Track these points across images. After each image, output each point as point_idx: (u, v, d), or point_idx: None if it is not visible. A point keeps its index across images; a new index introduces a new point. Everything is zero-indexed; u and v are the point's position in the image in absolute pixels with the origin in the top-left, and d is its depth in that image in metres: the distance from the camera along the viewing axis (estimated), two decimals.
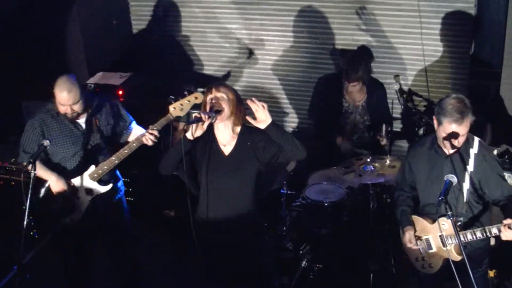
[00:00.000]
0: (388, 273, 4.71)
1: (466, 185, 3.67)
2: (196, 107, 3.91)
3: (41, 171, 4.02)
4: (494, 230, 3.50)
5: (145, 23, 6.58)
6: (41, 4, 5.91)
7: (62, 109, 3.97)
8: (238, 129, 3.68)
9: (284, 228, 4.89)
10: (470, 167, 3.65)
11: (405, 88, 5.16)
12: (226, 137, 3.68)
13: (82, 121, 4.11)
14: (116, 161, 4.09)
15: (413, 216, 3.90)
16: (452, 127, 3.50)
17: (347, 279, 4.66)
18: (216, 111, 3.52)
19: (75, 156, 4.11)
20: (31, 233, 4.16)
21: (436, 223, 3.68)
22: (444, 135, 3.56)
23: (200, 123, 3.50)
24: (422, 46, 5.57)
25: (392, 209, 4.87)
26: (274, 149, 3.58)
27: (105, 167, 4.11)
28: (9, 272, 3.50)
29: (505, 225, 3.41)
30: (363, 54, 5.60)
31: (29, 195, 3.68)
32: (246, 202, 3.68)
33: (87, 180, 4.13)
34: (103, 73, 6.19)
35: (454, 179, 3.51)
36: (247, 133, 3.67)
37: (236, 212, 3.68)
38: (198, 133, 3.55)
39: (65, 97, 3.90)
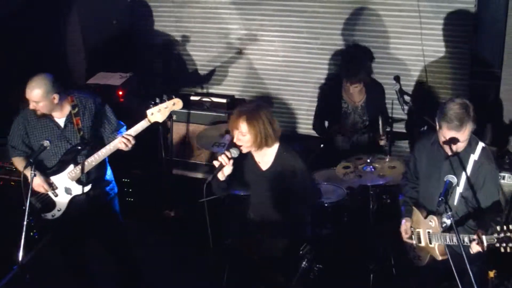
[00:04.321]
0: (388, 273, 4.71)
1: (460, 189, 3.63)
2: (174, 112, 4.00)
3: (23, 168, 4.03)
4: (466, 240, 3.43)
5: (145, 23, 6.58)
6: (41, 4, 5.90)
7: (30, 104, 4.02)
8: (276, 146, 3.78)
9: None
10: (468, 171, 3.59)
11: (405, 88, 5.15)
12: (261, 157, 3.83)
13: (62, 120, 4.11)
14: (94, 163, 4.06)
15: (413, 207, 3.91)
16: (451, 133, 3.46)
17: (347, 279, 4.66)
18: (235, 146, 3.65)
19: (55, 154, 4.11)
20: (31, 233, 4.16)
21: (428, 218, 3.69)
22: (443, 139, 3.52)
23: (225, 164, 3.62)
24: (422, 46, 5.57)
25: (392, 209, 4.90)
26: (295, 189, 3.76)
27: (83, 168, 4.08)
28: (9, 272, 3.50)
29: (474, 240, 3.37)
30: (362, 55, 5.60)
31: (29, 195, 3.69)
32: (282, 214, 3.84)
33: (65, 179, 4.12)
34: (103, 73, 6.19)
35: (454, 179, 3.50)
36: (284, 156, 3.78)
37: (274, 224, 3.85)
38: (228, 170, 3.65)
39: (28, 93, 3.96)
